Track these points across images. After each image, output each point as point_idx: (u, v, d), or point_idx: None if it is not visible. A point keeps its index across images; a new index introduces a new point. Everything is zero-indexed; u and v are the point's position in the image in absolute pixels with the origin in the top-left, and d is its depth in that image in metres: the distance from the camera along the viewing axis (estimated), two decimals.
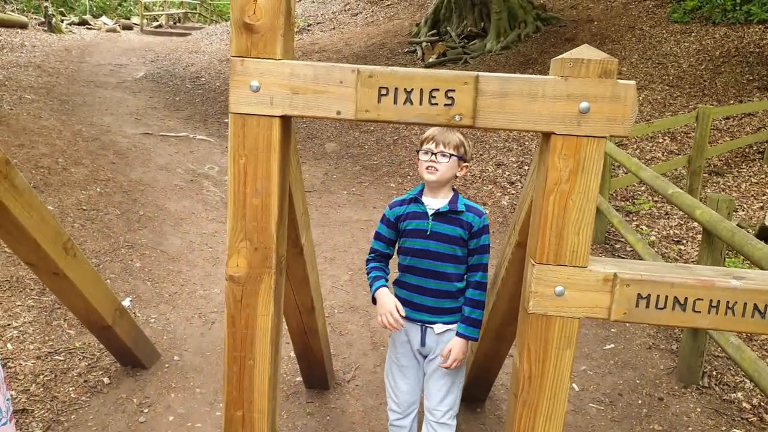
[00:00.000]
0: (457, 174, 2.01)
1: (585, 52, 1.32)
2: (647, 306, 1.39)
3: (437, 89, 1.33)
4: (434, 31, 13.65)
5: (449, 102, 1.33)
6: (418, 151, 2.02)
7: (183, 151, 7.18)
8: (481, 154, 7.49)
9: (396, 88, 1.36)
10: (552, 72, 1.35)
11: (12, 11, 16.72)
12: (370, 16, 17.12)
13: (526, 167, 6.98)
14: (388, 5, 17.46)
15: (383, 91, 1.35)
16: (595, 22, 12.37)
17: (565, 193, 1.35)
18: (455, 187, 2.10)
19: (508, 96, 1.33)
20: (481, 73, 1.33)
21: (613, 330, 3.74)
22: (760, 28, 10.22)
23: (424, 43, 13.15)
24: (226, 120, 9.95)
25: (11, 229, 2.04)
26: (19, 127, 6.65)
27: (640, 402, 3.01)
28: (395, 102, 1.35)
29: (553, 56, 1.36)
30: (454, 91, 1.33)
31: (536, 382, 1.45)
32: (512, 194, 6.48)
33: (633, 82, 1.31)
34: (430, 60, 12.43)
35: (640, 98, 8.61)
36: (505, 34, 12.53)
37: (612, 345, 3.55)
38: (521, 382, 1.46)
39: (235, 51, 1.39)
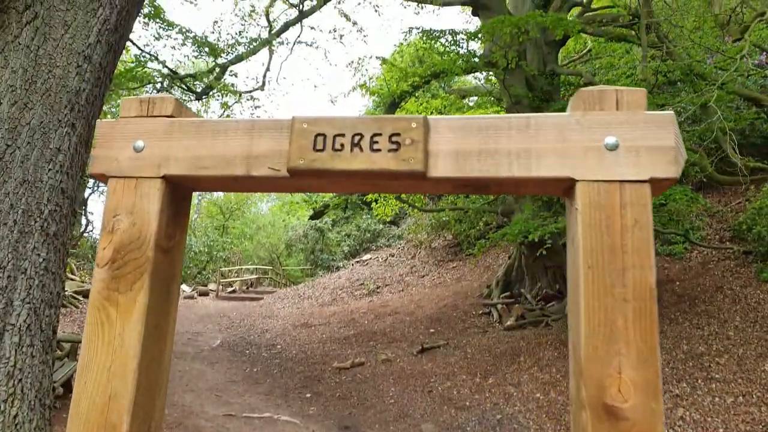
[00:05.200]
0: None
1: None
2: None
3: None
4: (507, 292, 13.63)
5: None
6: None
7: None
8: None
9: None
10: None
11: None
12: (437, 278, 17.56)
13: None
14: (453, 267, 18.05)
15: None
16: (677, 282, 12.09)
17: None
18: None
19: None
20: None
21: None
22: None
23: (499, 305, 12.99)
24: (307, 395, 9.44)
25: None
26: None
27: None
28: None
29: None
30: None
31: None
32: None
33: None
34: (508, 323, 12.08)
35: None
36: None
37: None
38: None
39: None
